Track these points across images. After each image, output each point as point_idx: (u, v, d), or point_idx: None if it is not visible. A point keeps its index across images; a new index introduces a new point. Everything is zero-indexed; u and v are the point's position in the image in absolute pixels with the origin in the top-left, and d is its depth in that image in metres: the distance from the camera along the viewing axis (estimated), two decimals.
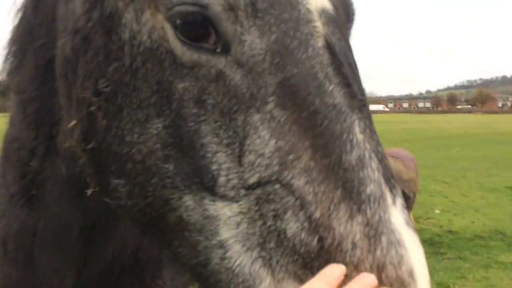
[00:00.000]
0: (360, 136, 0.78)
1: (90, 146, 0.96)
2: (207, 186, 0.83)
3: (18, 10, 1.20)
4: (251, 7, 0.82)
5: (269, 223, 0.78)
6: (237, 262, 0.78)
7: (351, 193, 0.75)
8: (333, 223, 0.74)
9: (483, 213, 8.11)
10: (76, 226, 1.22)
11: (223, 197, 0.82)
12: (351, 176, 0.76)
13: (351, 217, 0.74)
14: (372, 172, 0.77)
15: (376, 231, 0.73)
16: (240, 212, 0.80)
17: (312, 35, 0.83)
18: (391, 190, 0.78)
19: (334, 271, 0.70)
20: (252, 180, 0.79)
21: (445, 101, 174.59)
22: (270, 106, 0.80)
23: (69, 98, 1.00)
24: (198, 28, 0.84)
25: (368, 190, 0.75)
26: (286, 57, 0.81)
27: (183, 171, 0.85)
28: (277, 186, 0.77)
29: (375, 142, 0.81)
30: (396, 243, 0.72)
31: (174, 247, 0.90)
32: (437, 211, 8.21)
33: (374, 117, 0.88)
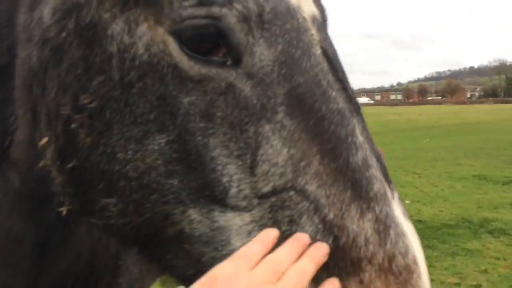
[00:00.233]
0: (361, 138, 0.83)
1: (69, 165, 0.91)
2: (218, 198, 0.83)
3: None
4: (259, 19, 0.83)
5: (283, 228, 0.80)
6: None
7: (360, 192, 0.80)
8: (347, 222, 0.78)
9: (451, 202, 8.33)
10: (28, 240, 1.18)
11: (235, 208, 0.82)
12: (358, 176, 0.80)
13: (362, 215, 0.78)
14: (375, 171, 0.82)
15: (385, 226, 0.78)
16: (252, 221, 0.82)
17: (312, 43, 0.86)
18: (389, 185, 0.84)
19: (269, 233, 0.76)
20: (267, 189, 0.81)
21: (416, 93, 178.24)
22: (280, 115, 0.82)
23: (33, 111, 0.96)
24: (207, 41, 0.83)
25: (375, 189, 0.80)
26: (292, 67, 0.83)
27: (189, 186, 0.84)
28: (292, 192, 0.80)
29: (372, 142, 0.86)
30: (401, 235, 0.78)
31: (167, 260, 0.90)
32: (407, 202, 8.39)
33: None
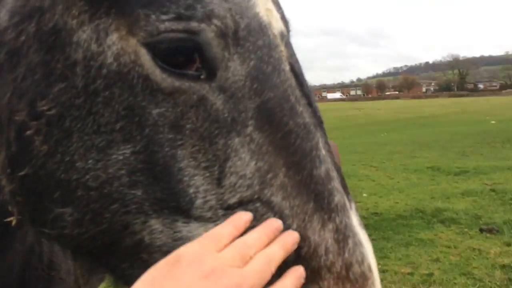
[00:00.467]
0: (323, 151, 0.85)
1: (21, 173, 0.87)
2: (183, 209, 0.82)
3: None
4: (234, 34, 0.84)
5: None
6: None
7: (322, 204, 0.82)
8: (309, 233, 0.80)
9: (406, 194, 8.58)
10: None
11: (199, 219, 0.82)
12: (321, 188, 0.83)
13: (323, 226, 0.81)
14: (336, 183, 0.85)
15: (344, 235, 0.81)
16: None
17: (281, 59, 0.88)
18: (347, 196, 0.87)
19: (242, 216, 0.77)
20: (233, 200, 0.81)
21: (374, 88, 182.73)
22: (249, 129, 0.83)
23: None
24: (182, 55, 0.82)
25: (336, 200, 0.83)
26: (263, 82, 0.85)
27: (153, 196, 0.83)
28: (258, 204, 0.81)
29: (332, 155, 0.89)
30: (358, 244, 0.81)
31: (123, 269, 0.88)
32: (364, 195, 8.57)
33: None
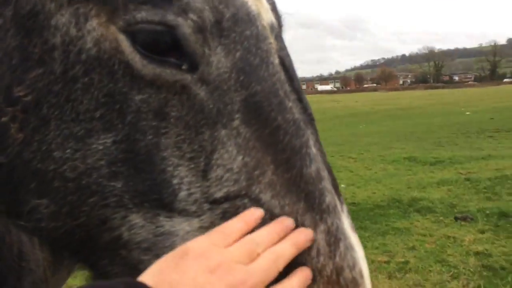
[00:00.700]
0: (314, 150, 0.83)
1: None
2: (166, 202, 0.79)
3: None
4: (216, 26, 0.81)
5: None
6: None
7: (313, 204, 0.79)
8: None
9: (384, 184, 8.68)
10: None
11: (183, 212, 0.79)
12: (312, 188, 0.80)
13: (315, 227, 0.78)
14: (327, 184, 0.82)
15: (335, 238, 0.78)
16: (201, 227, 0.78)
17: (270, 52, 0.85)
18: (339, 198, 0.84)
19: (254, 212, 0.75)
20: (219, 194, 0.79)
21: (352, 81, 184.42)
22: (236, 122, 0.80)
23: None
24: (162, 44, 0.79)
25: (327, 201, 0.80)
26: (250, 74, 0.82)
27: (134, 188, 0.79)
28: (246, 200, 0.78)
29: (324, 154, 0.86)
30: (350, 248, 0.78)
31: (101, 266, 0.85)
32: (343, 186, 8.63)
33: None
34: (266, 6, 0.91)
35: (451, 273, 4.67)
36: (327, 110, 33.63)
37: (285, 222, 0.76)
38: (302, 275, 0.75)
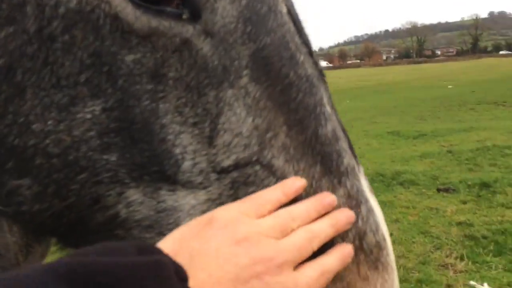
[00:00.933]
0: (328, 108, 0.76)
1: None
2: (168, 174, 0.69)
3: None
4: None
5: None
6: None
7: (331, 167, 0.74)
8: None
9: (368, 158, 8.71)
10: None
11: (187, 185, 0.70)
12: (328, 150, 0.74)
13: (334, 191, 0.73)
14: (344, 144, 0.76)
15: (356, 202, 0.73)
16: (208, 199, 0.71)
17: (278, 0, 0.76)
18: (355, 158, 0.78)
19: (294, 182, 0.68)
20: (228, 162, 0.71)
21: (336, 58, 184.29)
22: (244, 80, 0.72)
23: None
24: None
25: (345, 162, 0.74)
26: (258, 25, 0.73)
27: (131, 161, 0.69)
28: (258, 167, 0.71)
29: (337, 113, 0.80)
30: (371, 211, 0.74)
31: None
32: None
33: None
34: None
35: (434, 244, 4.73)
36: None
37: (327, 199, 0.70)
38: (341, 253, 0.68)
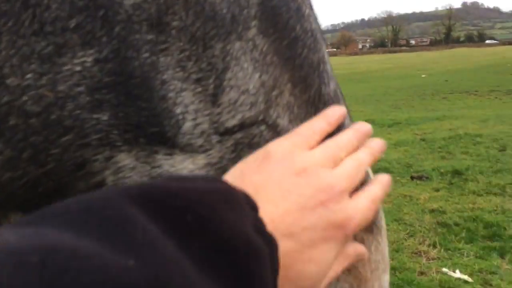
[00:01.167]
0: (329, 66, 0.72)
1: None
2: (167, 135, 0.62)
3: None
4: None
5: None
6: None
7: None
8: None
9: None
10: None
11: (186, 148, 0.63)
12: None
13: None
14: (344, 105, 0.72)
15: None
16: (208, 164, 0.64)
17: None
18: (350, 119, 0.76)
19: (336, 110, 0.67)
20: (233, 122, 0.64)
21: None
22: (252, 32, 0.65)
23: None
24: None
25: (346, 124, 0.71)
26: None
27: (125, 121, 0.61)
28: (263, 127, 0.66)
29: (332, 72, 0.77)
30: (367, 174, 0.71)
31: None
32: None
33: None
34: None
35: (407, 231, 4.76)
36: None
37: (364, 128, 0.68)
38: (382, 181, 0.67)
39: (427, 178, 6.40)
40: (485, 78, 22.09)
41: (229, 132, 0.65)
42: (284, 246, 0.52)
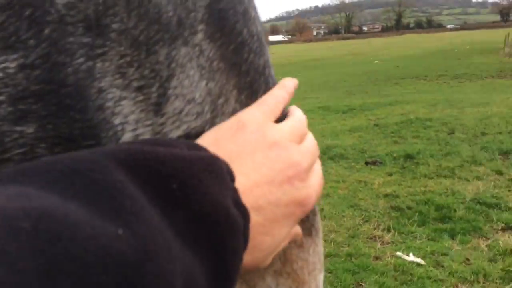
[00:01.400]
0: (272, 71, 0.71)
1: None
2: None
3: None
4: None
5: None
6: None
7: None
8: None
9: None
10: None
11: None
12: None
13: None
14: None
15: None
16: None
17: None
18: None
19: (290, 81, 0.69)
20: (177, 133, 0.60)
21: (268, 33, 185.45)
22: (199, 36, 0.61)
23: None
24: None
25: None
26: None
27: (54, 134, 0.56)
28: None
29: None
30: None
31: None
32: None
33: None
34: None
35: (362, 216, 4.83)
36: None
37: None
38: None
39: (380, 163, 6.53)
40: (434, 64, 22.89)
41: None
42: (251, 219, 0.52)
